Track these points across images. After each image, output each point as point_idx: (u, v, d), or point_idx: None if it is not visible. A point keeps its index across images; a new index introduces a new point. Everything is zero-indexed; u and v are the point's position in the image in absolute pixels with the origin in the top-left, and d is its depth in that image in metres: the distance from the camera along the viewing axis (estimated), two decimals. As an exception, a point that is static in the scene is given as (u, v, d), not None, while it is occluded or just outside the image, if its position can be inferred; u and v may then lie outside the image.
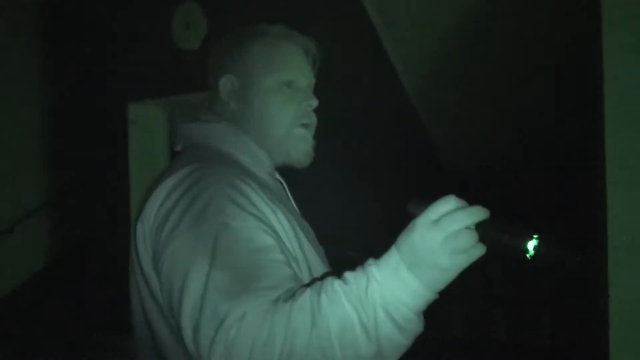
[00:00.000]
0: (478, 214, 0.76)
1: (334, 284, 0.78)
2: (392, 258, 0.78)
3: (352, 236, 3.06)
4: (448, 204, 0.77)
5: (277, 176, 1.15)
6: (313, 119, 1.13)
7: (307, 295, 0.78)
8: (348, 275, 0.79)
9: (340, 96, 3.13)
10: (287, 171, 1.16)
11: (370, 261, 0.80)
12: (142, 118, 4.02)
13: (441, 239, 0.75)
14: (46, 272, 4.49)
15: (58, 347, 3.65)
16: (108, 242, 3.82)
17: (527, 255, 0.75)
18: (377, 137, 3.10)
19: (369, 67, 3.28)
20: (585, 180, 2.35)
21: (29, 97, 4.64)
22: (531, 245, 0.75)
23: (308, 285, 0.82)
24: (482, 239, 0.76)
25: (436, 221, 0.76)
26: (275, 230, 0.92)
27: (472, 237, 0.75)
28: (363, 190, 3.06)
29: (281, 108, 1.09)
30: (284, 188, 1.15)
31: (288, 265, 0.87)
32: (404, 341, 0.78)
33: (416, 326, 0.79)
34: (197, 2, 3.62)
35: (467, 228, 0.75)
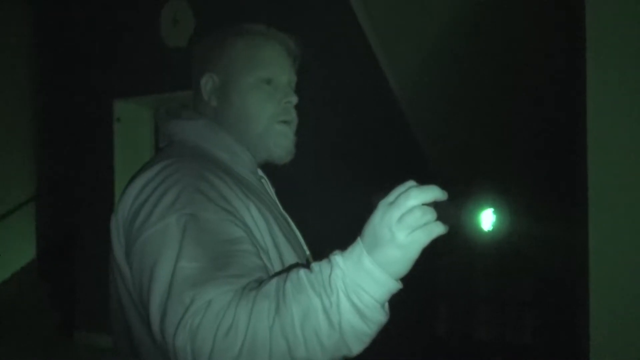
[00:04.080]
0: (432, 190, 0.77)
1: (299, 272, 0.80)
2: (356, 246, 0.79)
3: (340, 237, 3.07)
4: (405, 185, 0.79)
5: (260, 173, 1.16)
6: (293, 116, 1.14)
7: (272, 283, 0.79)
8: (314, 264, 0.81)
9: (329, 101, 3.14)
10: (278, 171, 1.18)
11: (336, 251, 0.81)
12: (127, 115, 4.00)
13: (397, 216, 0.76)
14: (31, 266, 4.47)
15: (40, 345, 3.62)
16: (92, 238, 3.79)
17: (485, 229, 0.78)
18: (366, 141, 3.11)
19: (357, 68, 3.28)
20: (568, 182, 2.38)
21: (14, 95, 4.59)
22: (488, 218, 0.77)
23: (276, 275, 0.83)
24: (441, 218, 0.77)
25: (393, 201, 0.78)
26: (245, 224, 0.93)
27: (428, 213, 0.76)
28: (350, 192, 3.07)
29: (261, 105, 1.10)
30: (267, 184, 1.16)
31: (257, 256, 0.88)
32: (367, 330, 0.78)
33: (379, 315, 0.79)
34: (185, -1, 3.61)
35: (424, 205, 0.76)
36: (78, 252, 4.07)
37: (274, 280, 0.80)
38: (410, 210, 0.75)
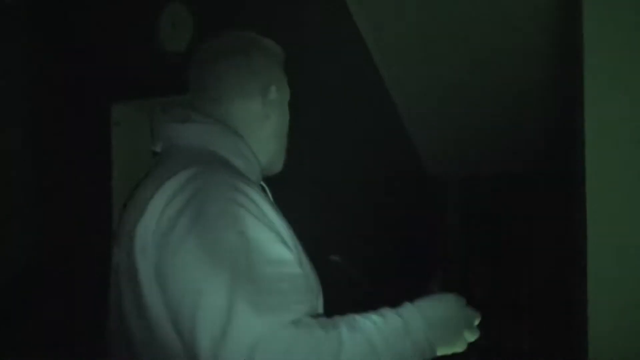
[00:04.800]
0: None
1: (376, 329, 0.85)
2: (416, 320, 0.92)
3: (334, 240, 3.06)
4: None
5: (262, 183, 1.16)
6: None
7: (341, 329, 0.81)
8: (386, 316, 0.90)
9: (326, 104, 3.14)
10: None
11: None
12: (126, 119, 3.99)
13: (470, 324, 1.04)
14: (27, 273, 4.43)
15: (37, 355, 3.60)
16: (89, 243, 3.78)
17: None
18: (360, 141, 3.11)
19: (355, 72, 3.29)
20: (567, 187, 2.38)
21: (11, 98, 4.58)
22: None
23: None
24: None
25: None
26: (284, 240, 0.90)
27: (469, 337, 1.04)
28: (344, 195, 3.06)
29: (286, 123, 1.20)
30: (267, 193, 1.15)
31: (305, 277, 0.88)
32: None
33: None
34: (183, 2, 3.61)
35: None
36: (74, 259, 4.05)
37: (342, 327, 0.82)
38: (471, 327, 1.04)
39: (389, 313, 0.90)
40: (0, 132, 4.39)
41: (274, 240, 0.84)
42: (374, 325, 0.83)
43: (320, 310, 0.96)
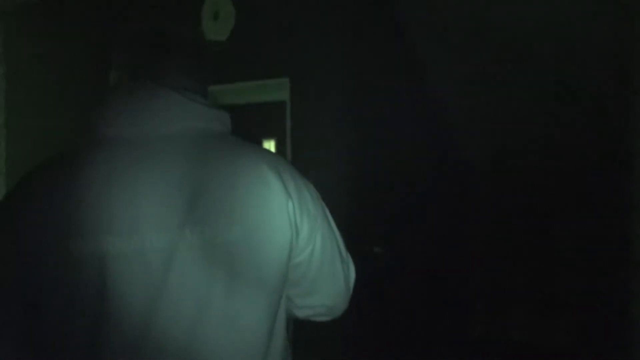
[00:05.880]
0: None
1: None
2: None
3: (376, 232, 3.05)
4: None
5: None
6: None
7: None
8: None
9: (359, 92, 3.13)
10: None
11: None
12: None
13: None
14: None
15: None
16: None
17: None
18: (395, 130, 3.09)
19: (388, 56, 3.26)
20: (612, 178, 2.31)
21: (56, 90, 4.72)
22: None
23: None
24: None
25: None
26: None
27: None
28: (382, 187, 3.05)
29: None
30: None
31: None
32: None
33: None
34: (226, -7, 3.64)
35: None
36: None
37: None
38: None
39: None
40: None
41: None
42: None
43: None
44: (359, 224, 3.10)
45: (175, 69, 0.99)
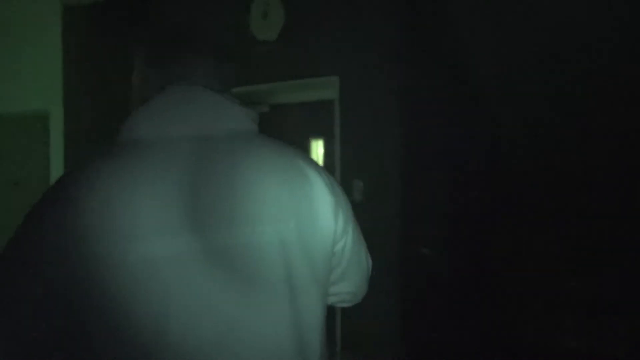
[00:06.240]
0: None
1: None
2: None
3: (425, 233, 3.01)
4: None
5: None
6: None
7: None
8: None
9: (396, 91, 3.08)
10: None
11: None
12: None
13: None
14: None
15: None
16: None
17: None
18: (446, 130, 3.04)
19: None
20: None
21: (110, 84, 4.84)
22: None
23: None
24: None
25: None
26: None
27: None
28: (432, 187, 3.00)
29: None
30: None
31: None
32: None
33: None
34: (276, -8, 3.65)
35: None
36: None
37: None
38: None
39: None
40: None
41: None
42: None
43: None
44: (407, 224, 3.06)
45: (200, 68, 0.98)
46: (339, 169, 3.37)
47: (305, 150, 3.76)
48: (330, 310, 1.23)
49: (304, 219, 0.91)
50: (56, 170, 5.56)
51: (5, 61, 6.13)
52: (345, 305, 1.22)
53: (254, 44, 3.74)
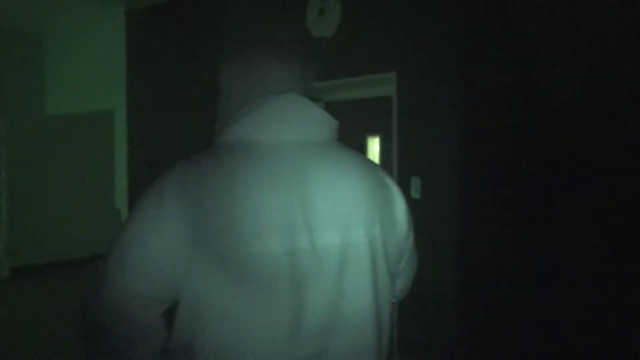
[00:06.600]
0: None
1: None
2: None
3: (484, 234, 2.93)
4: None
5: None
6: None
7: None
8: None
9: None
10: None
11: None
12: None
13: None
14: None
15: None
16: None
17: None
18: (506, 127, 2.94)
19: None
20: None
21: (171, 86, 4.95)
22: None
23: None
24: None
25: None
26: None
27: None
28: (491, 186, 2.91)
29: None
30: None
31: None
32: None
33: None
34: (333, -11, 3.63)
35: None
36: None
37: None
38: None
39: None
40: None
41: None
42: None
43: None
44: (466, 222, 2.99)
45: (292, 78, 1.06)
46: (396, 166, 3.33)
47: (362, 148, 3.73)
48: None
49: (386, 221, 1.07)
50: (120, 166, 5.77)
51: (73, 64, 6.42)
52: (392, 300, 1.30)
53: (310, 41, 3.75)
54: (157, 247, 0.90)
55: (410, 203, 3.22)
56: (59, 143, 6.70)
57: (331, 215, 0.98)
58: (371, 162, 1.12)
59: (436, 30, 3.10)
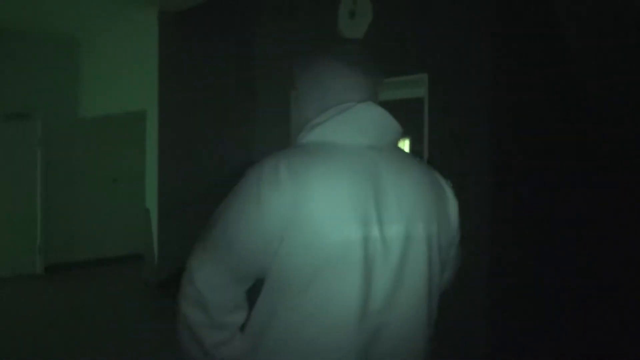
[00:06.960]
0: None
1: None
2: None
3: (517, 235, 2.87)
4: None
5: None
6: None
7: None
8: None
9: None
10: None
11: None
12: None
13: None
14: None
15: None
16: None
17: None
18: (538, 128, 2.88)
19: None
20: None
21: (205, 90, 5.00)
22: None
23: None
24: None
25: None
26: None
27: None
28: (524, 187, 2.85)
29: None
30: None
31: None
32: None
33: None
34: (364, -10, 3.61)
35: None
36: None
37: None
38: None
39: None
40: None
41: None
42: None
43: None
44: (498, 225, 2.93)
45: (365, 86, 1.21)
46: (426, 169, 3.29)
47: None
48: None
49: (441, 219, 1.20)
50: (151, 167, 5.84)
51: (106, 66, 6.53)
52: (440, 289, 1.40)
53: (340, 42, 3.73)
54: (256, 230, 1.05)
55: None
56: (92, 144, 6.83)
57: (398, 210, 1.11)
58: (427, 165, 1.27)
59: (468, 30, 3.05)
